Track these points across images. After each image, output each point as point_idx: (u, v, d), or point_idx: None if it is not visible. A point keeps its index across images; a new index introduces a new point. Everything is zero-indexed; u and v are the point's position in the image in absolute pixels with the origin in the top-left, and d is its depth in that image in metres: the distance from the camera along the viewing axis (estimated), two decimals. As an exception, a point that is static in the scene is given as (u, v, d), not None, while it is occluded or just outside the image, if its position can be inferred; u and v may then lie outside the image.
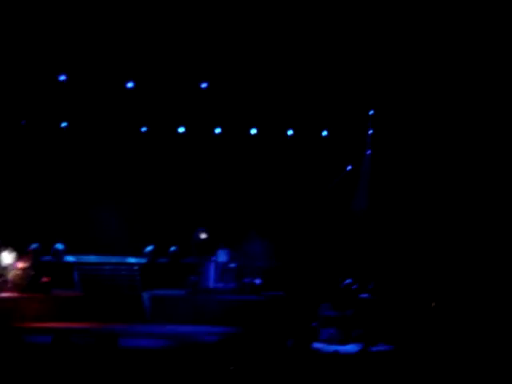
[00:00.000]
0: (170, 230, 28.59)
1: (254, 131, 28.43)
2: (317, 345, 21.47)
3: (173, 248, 27.85)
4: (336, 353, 18.05)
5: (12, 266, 25.32)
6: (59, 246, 27.11)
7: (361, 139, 29.05)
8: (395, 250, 27.71)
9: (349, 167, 29.47)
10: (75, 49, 25.25)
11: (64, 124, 27.34)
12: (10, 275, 25.24)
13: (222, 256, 27.12)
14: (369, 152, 29.14)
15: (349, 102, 27.75)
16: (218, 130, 28.37)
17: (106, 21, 24.56)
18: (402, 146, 27.85)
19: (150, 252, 27.62)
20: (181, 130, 28.16)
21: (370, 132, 29.00)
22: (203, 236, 28.07)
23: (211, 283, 26.68)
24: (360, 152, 29.22)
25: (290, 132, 28.66)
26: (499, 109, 26.40)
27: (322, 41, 26.00)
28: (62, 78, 25.75)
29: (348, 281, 24.82)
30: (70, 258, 27.27)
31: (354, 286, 24.93)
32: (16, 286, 25.19)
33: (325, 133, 28.86)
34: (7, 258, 25.36)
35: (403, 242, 27.73)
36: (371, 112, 28.54)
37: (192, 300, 25.99)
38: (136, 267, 27.15)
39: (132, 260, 27.73)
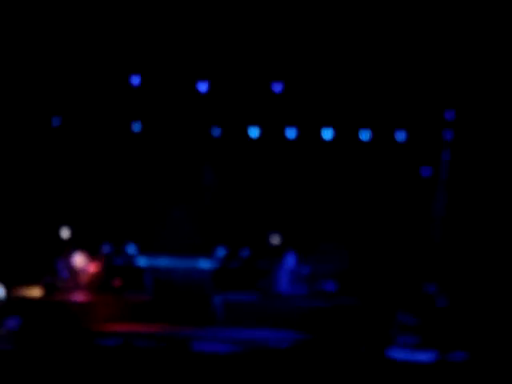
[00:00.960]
0: (243, 233, 28.41)
1: (329, 134, 28.01)
2: (391, 352, 21.01)
3: (245, 252, 27.71)
4: (411, 361, 17.56)
5: (84, 268, 25.49)
6: (131, 249, 27.18)
7: (439, 142, 28.47)
8: (475, 256, 27.08)
9: (426, 172, 28.88)
10: (147, 50, 25.27)
11: (136, 126, 27.35)
12: (82, 278, 25.43)
13: (289, 260, 26.84)
14: (447, 156, 28.53)
15: (427, 103, 27.17)
16: (291, 133, 28.03)
17: (176, 20, 24.54)
18: (484, 149, 27.17)
19: (222, 255, 27.51)
20: (254, 132, 27.91)
21: (449, 135, 28.41)
22: (276, 240, 27.85)
23: (283, 288, 26.43)
24: (438, 156, 28.64)
25: (366, 135, 28.16)
26: None
27: (398, 39, 25.53)
28: (136, 80, 25.76)
29: (429, 286, 24.27)
30: (141, 261, 27.31)
31: (432, 292, 24.38)
32: (88, 288, 25.36)
33: (401, 135, 28.29)
34: (79, 261, 25.54)
35: (484, 247, 27.09)
36: (450, 113, 27.92)
37: (263, 305, 25.74)
38: (208, 271, 27.11)
39: (204, 264, 27.65)
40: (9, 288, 22.90)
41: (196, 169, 28.88)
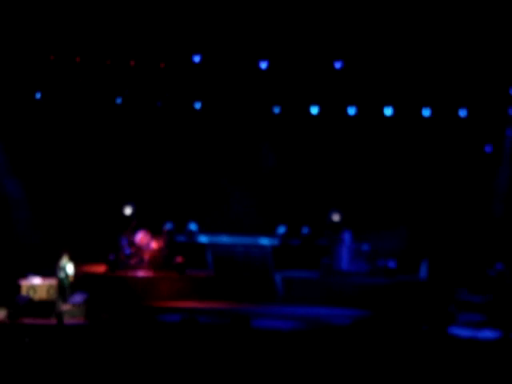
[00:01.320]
0: (303, 210, 28.41)
1: (389, 112, 27.81)
2: (454, 330, 20.92)
3: (305, 229, 27.68)
4: (474, 338, 17.48)
5: (146, 246, 25.73)
6: (193, 227, 27.35)
7: (502, 118, 28.09)
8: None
9: (489, 148, 28.55)
10: (209, 30, 25.32)
11: (198, 105, 27.47)
12: (145, 255, 25.68)
13: (350, 238, 26.74)
14: (511, 132, 28.20)
15: (489, 79, 26.78)
16: (352, 111, 27.89)
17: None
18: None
19: (283, 233, 27.53)
20: (314, 110, 27.83)
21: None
22: (336, 218, 27.76)
23: (344, 265, 26.39)
24: (501, 131, 28.29)
25: (427, 112, 27.89)
26: None
27: (460, 16, 25.20)
28: (197, 59, 25.82)
29: (497, 265, 24.03)
30: (203, 239, 27.50)
31: (496, 270, 24.12)
32: (151, 265, 25.60)
33: (464, 112, 27.96)
34: (142, 238, 25.78)
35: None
36: (512, 91, 27.54)
37: (324, 282, 25.79)
38: (268, 248, 27.18)
39: (264, 241, 27.73)
40: (75, 265, 23.26)
41: (256, 148, 28.93)
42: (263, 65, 26.19)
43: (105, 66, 25.48)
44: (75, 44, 24.95)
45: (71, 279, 22.87)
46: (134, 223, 26.05)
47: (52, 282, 22.97)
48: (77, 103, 26.48)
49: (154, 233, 26.00)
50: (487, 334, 21.22)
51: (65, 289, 22.72)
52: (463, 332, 21.11)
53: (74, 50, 25.10)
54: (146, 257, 25.75)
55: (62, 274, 22.71)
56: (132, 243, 25.83)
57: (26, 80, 25.42)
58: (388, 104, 27.55)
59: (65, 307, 22.00)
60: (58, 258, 22.92)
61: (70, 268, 22.85)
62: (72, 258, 23.02)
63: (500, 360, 15.30)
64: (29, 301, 21.95)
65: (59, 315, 19.96)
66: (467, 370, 14.46)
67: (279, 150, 28.99)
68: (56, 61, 25.15)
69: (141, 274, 25.39)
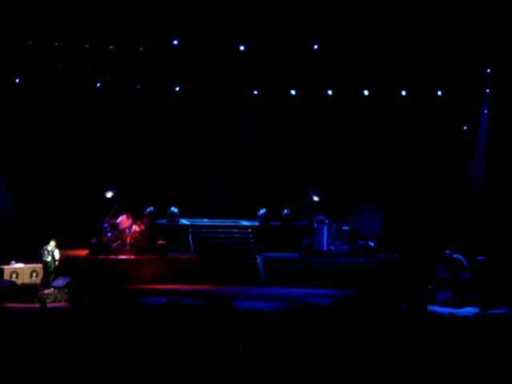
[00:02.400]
0: (283, 192, 28.58)
1: (366, 93, 28.00)
2: (433, 307, 21.17)
3: (286, 211, 27.83)
4: (452, 315, 17.71)
5: (129, 229, 25.77)
6: (174, 209, 27.43)
7: (477, 99, 28.32)
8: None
9: (465, 127, 28.79)
10: (187, 14, 25.33)
11: (176, 88, 27.52)
12: (127, 238, 25.72)
13: (330, 219, 26.86)
14: (486, 112, 28.39)
15: (465, 60, 26.97)
16: (329, 92, 28.05)
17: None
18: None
19: (263, 215, 27.66)
20: (292, 92, 27.97)
21: (487, 91, 28.23)
22: (316, 198, 27.92)
23: (324, 246, 26.56)
24: (476, 112, 28.51)
25: (403, 92, 28.09)
26: None
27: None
28: (175, 42, 25.83)
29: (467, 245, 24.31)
30: (184, 221, 27.60)
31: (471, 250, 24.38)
32: (133, 248, 25.65)
33: (440, 92, 28.17)
34: (124, 221, 25.82)
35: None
36: (488, 70, 27.72)
37: (305, 262, 26.01)
38: (249, 230, 27.32)
39: (245, 223, 27.87)
40: (58, 248, 23.28)
41: (235, 132, 29.02)
42: (241, 47, 26.30)
43: (84, 50, 25.46)
44: (53, 29, 24.91)
45: (57, 264, 22.90)
46: (116, 207, 26.06)
47: (35, 266, 23.05)
48: (57, 88, 26.44)
49: (136, 216, 26.02)
50: (466, 311, 21.51)
51: (50, 273, 22.76)
52: (442, 310, 21.39)
53: (53, 34, 25.06)
54: (128, 240, 25.74)
55: (48, 258, 22.71)
56: (114, 227, 25.85)
57: (5, 65, 25.34)
58: (364, 86, 27.79)
59: (48, 291, 22.05)
60: (42, 243, 22.93)
61: (56, 253, 22.84)
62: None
63: (478, 336, 15.53)
64: (12, 285, 21.97)
65: (42, 299, 20.04)
66: (446, 347, 14.69)
67: (259, 133, 29.12)
68: (34, 46, 25.10)
69: (123, 257, 25.46)
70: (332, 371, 13.37)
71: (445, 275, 23.37)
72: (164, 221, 27.35)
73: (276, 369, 13.39)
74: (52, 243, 22.87)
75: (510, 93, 27.29)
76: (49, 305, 19.71)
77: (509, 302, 22.26)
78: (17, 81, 25.99)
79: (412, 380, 13.13)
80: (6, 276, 22.64)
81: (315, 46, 26.58)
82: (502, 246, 25.33)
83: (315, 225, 26.63)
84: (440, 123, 28.53)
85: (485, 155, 28.25)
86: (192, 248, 26.60)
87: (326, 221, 26.74)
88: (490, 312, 19.68)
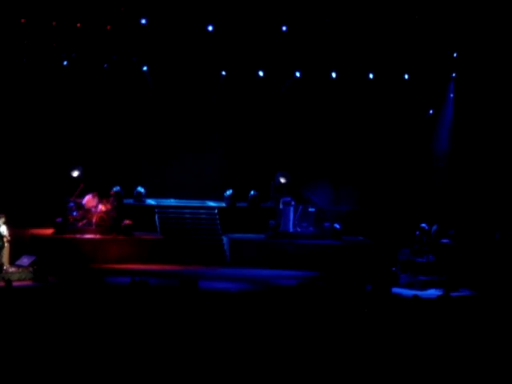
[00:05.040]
0: (250, 174, 28.62)
1: (333, 75, 28.08)
2: (397, 289, 21.36)
3: (252, 192, 27.87)
4: (416, 297, 17.89)
5: (95, 208, 25.67)
6: (141, 189, 27.37)
7: (443, 82, 28.50)
8: (477, 195, 27.28)
9: (431, 111, 28.97)
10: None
11: (144, 68, 27.42)
12: (93, 217, 25.63)
13: (296, 200, 26.94)
14: (451, 95, 28.58)
15: (432, 44, 27.11)
16: (297, 74, 28.09)
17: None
18: (487, 89, 27.17)
19: (230, 196, 27.69)
20: (260, 73, 27.96)
21: (454, 75, 28.42)
22: (283, 180, 27.99)
23: (290, 227, 26.65)
24: (442, 95, 28.70)
25: (370, 75, 28.19)
26: None
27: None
28: (143, 21, 25.72)
29: (424, 225, 24.43)
30: (150, 201, 27.57)
31: (434, 231, 24.55)
32: (98, 228, 25.58)
33: (406, 76, 28.30)
34: (90, 200, 25.72)
35: (486, 186, 27.26)
36: (455, 54, 27.90)
37: (271, 244, 26.10)
38: (216, 211, 27.35)
39: (211, 204, 27.90)
40: (22, 227, 23.12)
41: (203, 113, 28.97)
42: (210, 28, 26.23)
43: (51, 27, 25.25)
44: (20, 5, 24.68)
45: (6, 240, 22.46)
46: (82, 186, 25.93)
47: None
48: (23, 65, 26.21)
49: (103, 196, 25.92)
50: (429, 293, 21.73)
51: None
52: (406, 292, 21.59)
53: (19, 11, 24.83)
54: (94, 219, 25.62)
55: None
56: (80, 206, 25.74)
57: None
58: (332, 68, 27.86)
59: (12, 270, 21.94)
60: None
61: (3, 229, 22.42)
62: (17, 221, 22.76)
63: (441, 318, 15.72)
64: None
65: (8, 278, 19.94)
66: (410, 328, 14.85)
67: (226, 114, 29.11)
68: (0, 22, 24.85)
69: (89, 236, 25.37)
70: (295, 353, 13.46)
71: (409, 257, 23.60)
72: (130, 200, 27.29)
73: (239, 349, 13.45)
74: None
75: (476, 77, 27.47)
76: (13, 283, 19.63)
77: (472, 285, 22.53)
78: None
79: (375, 361, 13.26)
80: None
81: (284, 28, 26.60)
82: (466, 231, 25.56)
83: (281, 206, 26.72)
84: (406, 106, 28.68)
85: (449, 137, 28.49)
86: (158, 228, 26.57)
87: (293, 202, 26.83)
88: (453, 294, 20.00)
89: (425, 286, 22.58)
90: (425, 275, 23.15)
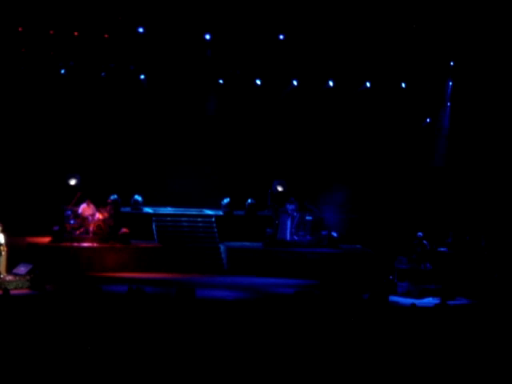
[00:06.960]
0: (247, 182, 28.65)
1: (331, 83, 28.15)
2: (394, 298, 21.37)
3: (249, 200, 27.89)
4: (413, 306, 17.93)
5: (92, 216, 25.67)
6: (138, 198, 27.37)
7: (440, 91, 28.58)
8: (475, 205, 27.33)
9: (427, 120, 29.05)
10: (153, 1, 25.33)
11: (141, 76, 27.48)
12: (90, 226, 25.63)
13: (293, 208, 26.94)
14: (448, 104, 28.65)
15: (428, 53, 27.21)
16: (294, 83, 28.16)
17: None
18: (484, 98, 27.27)
19: (227, 204, 27.71)
20: (257, 82, 28.03)
21: (450, 84, 28.50)
22: (280, 189, 28.01)
23: (288, 236, 26.66)
24: (439, 105, 28.77)
25: (367, 84, 28.27)
26: None
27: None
28: (140, 30, 25.80)
29: (420, 234, 24.47)
30: (148, 210, 27.57)
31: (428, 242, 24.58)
32: (96, 236, 25.57)
33: (403, 85, 28.37)
34: (87, 209, 25.72)
35: (483, 195, 27.32)
36: (451, 63, 27.99)
37: (268, 252, 26.09)
38: (213, 219, 27.36)
39: (209, 212, 27.90)
40: (19, 235, 23.06)
41: (200, 121, 29.03)
42: (207, 36, 26.30)
43: (48, 36, 25.30)
44: (18, 14, 24.73)
45: (3, 249, 22.45)
46: (79, 194, 25.94)
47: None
48: (20, 73, 26.26)
49: (100, 204, 25.92)
50: (426, 301, 21.74)
51: None
52: (403, 300, 21.61)
53: (17, 20, 24.88)
54: (91, 228, 25.62)
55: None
56: (77, 214, 25.74)
57: None
58: (329, 77, 27.93)
59: (9, 278, 21.92)
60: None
61: (0, 238, 22.39)
62: (9, 229, 22.75)
63: (438, 326, 15.75)
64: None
65: (6, 287, 19.92)
66: (407, 336, 14.88)
67: (224, 122, 29.16)
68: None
69: (86, 244, 25.34)
70: (292, 361, 13.48)
71: (406, 266, 23.59)
72: (128, 209, 27.30)
73: (237, 357, 13.47)
74: None
75: (472, 85, 27.56)
76: (10, 292, 19.62)
77: (468, 293, 22.55)
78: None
79: (373, 369, 13.28)
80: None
81: (281, 37, 26.69)
82: (463, 238, 25.59)
83: (279, 215, 26.65)
84: (403, 115, 28.76)
85: (446, 148, 28.55)
86: (155, 236, 26.57)
87: (290, 211, 26.81)
88: (450, 303, 20.02)
89: (422, 295, 22.58)
90: (422, 283, 23.14)
